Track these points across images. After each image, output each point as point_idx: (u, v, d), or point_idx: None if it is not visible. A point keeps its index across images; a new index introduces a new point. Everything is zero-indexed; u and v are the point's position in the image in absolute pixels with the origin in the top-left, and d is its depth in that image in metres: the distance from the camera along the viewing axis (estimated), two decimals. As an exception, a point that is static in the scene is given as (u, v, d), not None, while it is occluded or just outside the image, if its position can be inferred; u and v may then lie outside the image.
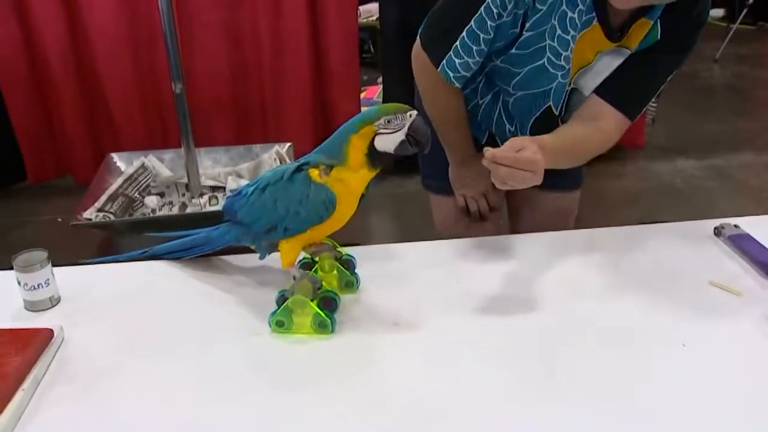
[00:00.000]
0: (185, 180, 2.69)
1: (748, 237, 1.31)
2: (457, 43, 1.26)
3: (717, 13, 6.49)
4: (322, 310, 1.07)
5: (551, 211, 1.58)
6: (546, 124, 1.37)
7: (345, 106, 3.47)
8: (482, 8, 1.21)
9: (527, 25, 1.23)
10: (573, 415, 0.91)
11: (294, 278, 1.11)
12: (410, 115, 1.04)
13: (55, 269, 1.16)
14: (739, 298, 1.16)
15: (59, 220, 3.07)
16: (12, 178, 3.46)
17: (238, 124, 3.43)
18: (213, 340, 1.08)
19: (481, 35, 1.24)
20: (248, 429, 0.90)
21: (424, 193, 1.66)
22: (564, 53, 1.26)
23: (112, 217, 2.49)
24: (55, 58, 3.17)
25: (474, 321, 1.11)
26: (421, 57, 1.34)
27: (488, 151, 1.08)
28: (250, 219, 1.12)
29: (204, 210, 2.63)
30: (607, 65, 1.29)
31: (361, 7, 4.04)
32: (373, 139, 1.03)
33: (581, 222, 1.65)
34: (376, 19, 4.31)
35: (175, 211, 2.70)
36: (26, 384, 0.95)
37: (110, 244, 2.55)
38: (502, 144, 1.47)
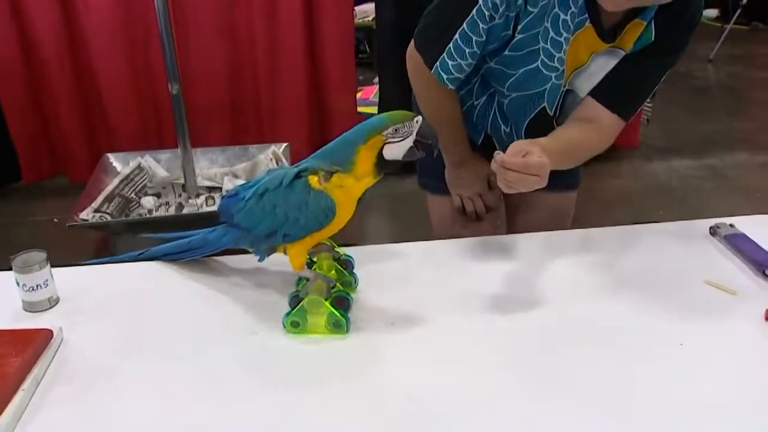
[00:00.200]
0: (182, 180, 2.69)
1: (743, 236, 1.32)
2: (450, 45, 1.27)
3: (711, 13, 6.53)
4: (336, 310, 1.08)
5: (548, 211, 1.58)
6: (541, 124, 1.38)
7: (341, 106, 3.48)
8: (474, 11, 1.21)
9: (519, 27, 1.24)
10: (570, 415, 0.92)
11: (306, 279, 1.11)
12: (417, 122, 1.05)
13: (54, 270, 1.16)
14: (735, 297, 1.17)
15: (55, 220, 3.06)
16: (6, 177, 3.45)
17: (235, 125, 3.44)
18: (211, 340, 1.08)
19: (474, 38, 1.25)
20: (246, 429, 0.91)
21: (421, 193, 1.66)
22: (557, 55, 1.26)
23: (108, 217, 2.49)
24: (50, 57, 3.17)
25: (471, 321, 1.12)
26: (415, 58, 1.35)
27: (498, 156, 1.09)
28: (248, 223, 1.13)
29: (200, 210, 2.64)
30: (601, 66, 1.30)
31: (356, 8, 4.04)
32: (381, 148, 1.04)
33: (576, 221, 1.66)
34: (372, 19, 4.32)
35: (172, 211, 2.70)
36: (26, 384, 0.95)
37: (107, 244, 2.55)
38: (498, 144, 1.50)
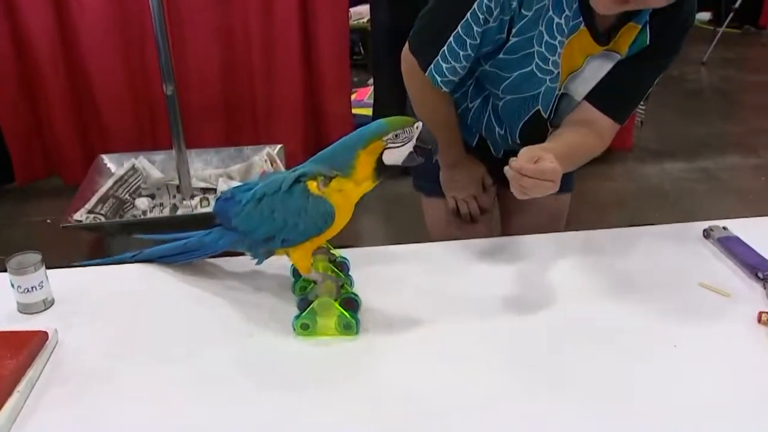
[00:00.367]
0: (176, 182, 2.69)
1: (736, 239, 1.32)
2: (445, 48, 1.27)
3: (704, 16, 6.55)
4: (346, 311, 1.08)
5: (542, 214, 1.58)
6: (535, 127, 1.38)
7: (336, 108, 3.48)
8: (468, 14, 1.22)
9: (513, 30, 1.24)
10: (565, 415, 0.92)
11: (315, 282, 1.12)
12: (417, 127, 1.05)
13: (49, 271, 1.16)
14: (728, 299, 1.18)
15: (48, 221, 3.05)
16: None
17: (229, 126, 3.43)
18: (206, 342, 1.08)
19: (468, 41, 1.25)
20: (242, 431, 0.91)
21: (415, 195, 1.66)
22: (552, 58, 1.27)
23: (102, 218, 2.49)
24: (43, 57, 3.15)
25: (467, 322, 1.12)
26: (409, 60, 1.35)
27: (513, 163, 1.10)
28: (245, 228, 1.12)
29: (195, 212, 2.63)
30: (596, 69, 1.30)
31: (351, 9, 4.04)
32: (381, 153, 1.05)
33: (570, 223, 1.66)
34: (367, 21, 4.32)
35: (166, 212, 2.70)
36: (21, 386, 0.95)
37: (101, 245, 2.55)
38: (492, 146, 1.50)
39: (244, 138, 3.35)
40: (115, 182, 2.66)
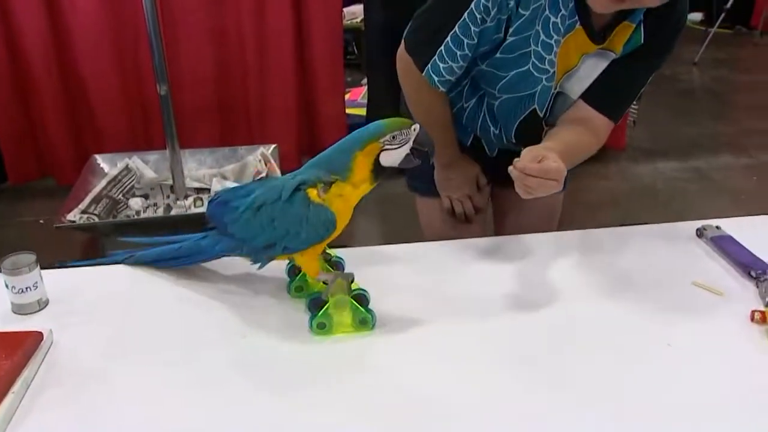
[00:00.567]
0: (170, 182, 2.68)
1: (729, 238, 1.33)
2: (442, 47, 1.27)
3: (695, 17, 6.59)
4: (362, 306, 1.08)
5: (536, 213, 1.59)
6: (531, 126, 1.39)
7: (329, 107, 3.48)
8: (466, 14, 1.22)
9: (511, 30, 1.25)
10: (560, 415, 0.93)
11: (325, 282, 1.12)
12: (414, 129, 1.06)
13: (43, 272, 1.15)
14: (721, 298, 1.19)
15: (41, 222, 3.04)
16: (-8, 179, 3.42)
17: (223, 126, 3.42)
18: (202, 344, 1.08)
19: (465, 40, 1.25)
20: (238, 431, 0.91)
21: (410, 195, 1.66)
22: (548, 57, 1.27)
23: (96, 219, 2.48)
24: (36, 57, 3.14)
25: (462, 322, 1.12)
26: (405, 60, 1.35)
27: (518, 163, 1.11)
28: (244, 235, 1.11)
29: (189, 212, 2.63)
30: (591, 68, 1.31)
31: (345, 9, 4.04)
32: (378, 155, 1.05)
33: (563, 223, 1.67)
34: (361, 20, 4.32)
35: (160, 212, 2.69)
36: (16, 387, 0.94)
37: (94, 246, 2.54)
38: (487, 146, 1.51)
39: (237, 138, 3.34)
40: (109, 182, 2.66)
